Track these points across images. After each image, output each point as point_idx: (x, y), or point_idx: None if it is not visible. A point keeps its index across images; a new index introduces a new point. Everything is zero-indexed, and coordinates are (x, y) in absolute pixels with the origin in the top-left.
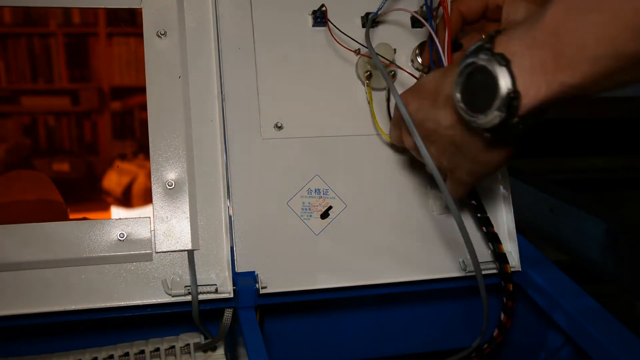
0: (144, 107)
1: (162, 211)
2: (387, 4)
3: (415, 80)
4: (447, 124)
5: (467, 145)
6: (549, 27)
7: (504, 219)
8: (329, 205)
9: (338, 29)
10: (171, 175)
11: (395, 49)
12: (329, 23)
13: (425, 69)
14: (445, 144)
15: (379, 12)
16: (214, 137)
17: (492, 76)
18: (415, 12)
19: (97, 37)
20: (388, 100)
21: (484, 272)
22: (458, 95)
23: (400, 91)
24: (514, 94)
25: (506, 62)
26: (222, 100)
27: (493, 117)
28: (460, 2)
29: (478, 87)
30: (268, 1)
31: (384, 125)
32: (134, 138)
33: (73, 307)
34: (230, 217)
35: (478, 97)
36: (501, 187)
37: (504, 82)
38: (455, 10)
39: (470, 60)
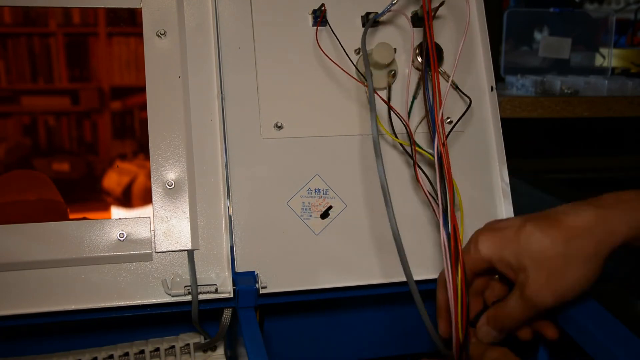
0: (144, 107)
1: (162, 211)
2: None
3: (414, 79)
4: None
5: None
6: None
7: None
8: (329, 205)
9: (334, 32)
10: (171, 175)
11: (395, 49)
12: (329, 23)
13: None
14: None
15: (382, 15)
16: (214, 137)
17: None
18: (416, 12)
19: (97, 37)
20: (389, 100)
21: None
22: None
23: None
24: None
25: None
26: (222, 100)
27: None
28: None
29: None
30: (268, 1)
31: (386, 125)
32: (134, 138)
33: (73, 307)
34: (230, 217)
35: None
36: (501, 187)
37: None
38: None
39: None
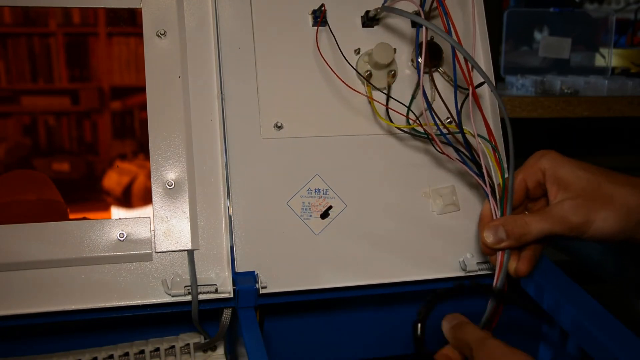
0: (144, 107)
1: (162, 211)
2: (388, 3)
3: (414, 78)
4: None
5: None
6: None
7: None
8: (329, 205)
9: (332, 33)
10: (171, 175)
11: (395, 49)
12: (328, 23)
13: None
14: None
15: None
16: (214, 137)
17: None
18: (416, 12)
19: (97, 37)
20: (387, 101)
21: (484, 272)
22: None
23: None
24: None
25: None
26: (222, 100)
27: None
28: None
29: None
30: (268, 1)
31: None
32: (134, 138)
33: (73, 307)
34: (230, 217)
35: None
36: None
37: None
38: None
39: None
